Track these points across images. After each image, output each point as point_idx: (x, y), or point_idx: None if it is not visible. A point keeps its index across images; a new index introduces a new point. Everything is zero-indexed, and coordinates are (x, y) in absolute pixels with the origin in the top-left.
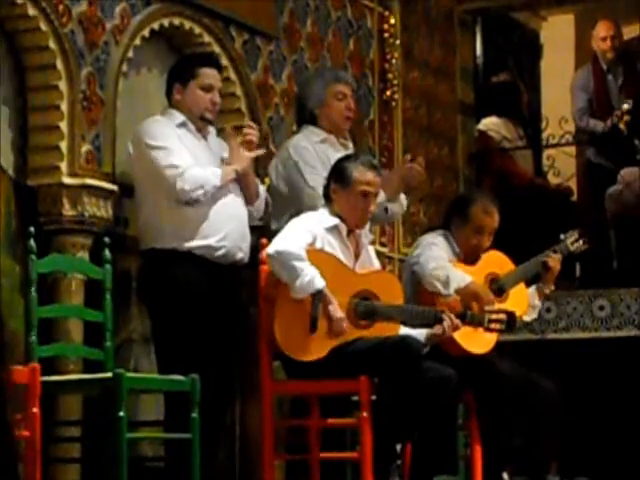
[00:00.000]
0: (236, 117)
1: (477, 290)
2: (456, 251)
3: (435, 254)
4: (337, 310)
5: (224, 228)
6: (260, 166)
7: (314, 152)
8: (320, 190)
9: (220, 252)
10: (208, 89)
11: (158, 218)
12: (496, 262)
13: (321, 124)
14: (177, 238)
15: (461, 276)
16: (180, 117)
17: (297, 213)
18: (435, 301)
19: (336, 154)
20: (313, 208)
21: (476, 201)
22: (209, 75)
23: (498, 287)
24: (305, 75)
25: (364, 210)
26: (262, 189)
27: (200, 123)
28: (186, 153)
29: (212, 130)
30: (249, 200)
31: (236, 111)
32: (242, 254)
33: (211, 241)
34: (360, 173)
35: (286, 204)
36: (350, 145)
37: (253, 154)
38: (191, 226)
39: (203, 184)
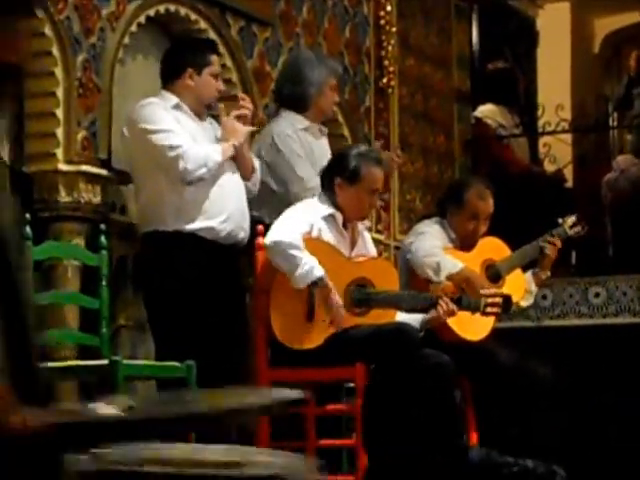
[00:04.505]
0: (232, 104)
1: (469, 276)
2: (452, 238)
3: (427, 241)
4: (337, 298)
5: (226, 208)
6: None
7: (298, 140)
8: (312, 182)
9: (223, 233)
10: (217, 76)
11: (159, 200)
12: (492, 248)
13: (309, 110)
14: (179, 220)
15: (452, 263)
16: (174, 99)
17: (282, 202)
18: (429, 288)
19: (317, 142)
20: (302, 198)
21: (470, 187)
22: (217, 62)
23: (494, 273)
24: (301, 57)
25: (371, 206)
26: (257, 163)
27: (202, 109)
28: (185, 133)
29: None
30: (245, 175)
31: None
32: (244, 234)
33: (214, 222)
34: (370, 171)
35: (269, 192)
36: (325, 130)
37: (249, 128)
38: (193, 207)
39: (206, 162)
